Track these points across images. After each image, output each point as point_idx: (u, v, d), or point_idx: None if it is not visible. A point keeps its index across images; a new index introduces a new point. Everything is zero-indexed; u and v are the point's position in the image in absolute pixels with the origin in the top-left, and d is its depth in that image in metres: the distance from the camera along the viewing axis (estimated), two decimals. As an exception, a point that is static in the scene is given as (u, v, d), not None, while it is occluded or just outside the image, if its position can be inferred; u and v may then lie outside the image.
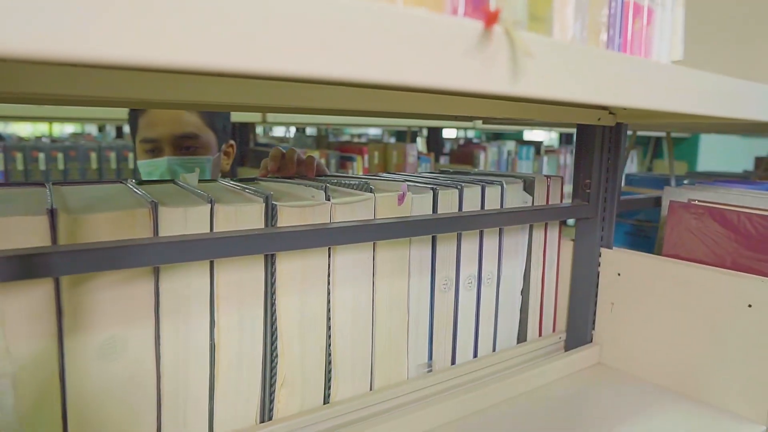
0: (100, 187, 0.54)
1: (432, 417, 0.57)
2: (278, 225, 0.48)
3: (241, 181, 0.61)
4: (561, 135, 3.62)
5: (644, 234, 1.11)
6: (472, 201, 0.63)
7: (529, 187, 0.70)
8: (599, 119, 0.69)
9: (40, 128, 3.66)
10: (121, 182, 0.57)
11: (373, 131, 4.21)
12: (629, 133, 1.72)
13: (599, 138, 0.71)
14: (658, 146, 3.13)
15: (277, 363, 0.51)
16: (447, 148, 2.95)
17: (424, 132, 2.97)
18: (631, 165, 3.03)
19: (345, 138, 3.33)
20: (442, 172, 0.79)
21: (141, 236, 0.42)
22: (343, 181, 0.60)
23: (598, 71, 0.32)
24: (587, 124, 0.70)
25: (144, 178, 0.98)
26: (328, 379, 0.55)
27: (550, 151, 2.89)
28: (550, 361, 0.70)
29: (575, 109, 0.65)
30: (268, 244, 0.46)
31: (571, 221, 0.78)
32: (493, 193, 0.65)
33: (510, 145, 2.70)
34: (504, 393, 0.64)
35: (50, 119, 2.19)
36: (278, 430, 0.51)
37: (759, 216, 0.68)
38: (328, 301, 0.54)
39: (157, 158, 0.98)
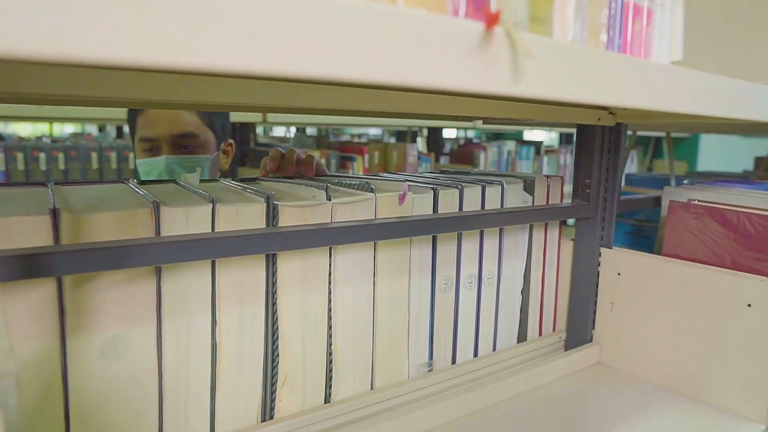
0: (101, 187, 0.54)
1: (432, 416, 0.57)
2: (279, 225, 0.49)
3: (242, 181, 0.61)
4: (561, 135, 3.62)
5: (644, 234, 1.11)
6: (472, 201, 0.63)
7: (529, 187, 0.70)
8: (599, 119, 0.69)
9: (41, 128, 3.66)
10: (122, 182, 0.57)
11: (373, 131, 4.21)
12: (629, 133, 1.72)
13: (599, 138, 0.72)
14: (658, 146, 3.13)
15: (278, 362, 0.51)
16: (447, 148, 2.95)
17: (425, 132, 2.97)
18: (631, 165, 3.03)
19: (345, 138, 3.33)
20: (442, 172, 0.79)
21: (143, 236, 0.42)
22: (343, 181, 0.60)
23: (598, 72, 0.32)
24: (587, 124, 0.70)
25: (142, 177, 0.98)
26: (329, 379, 0.55)
27: (550, 151, 2.90)
28: (550, 361, 0.70)
29: (575, 110, 0.65)
30: (270, 244, 0.47)
31: (571, 221, 0.78)
32: (493, 193, 0.65)
33: (510, 145, 2.70)
34: (504, 392, 0.64)
35: (50, 119, 2.19)
36: (279, 429, 0.51)
37: (759, 216, 0.68)
38: (329, 301, 0.54)
39: (155, 157, 0.98)
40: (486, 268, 0.67)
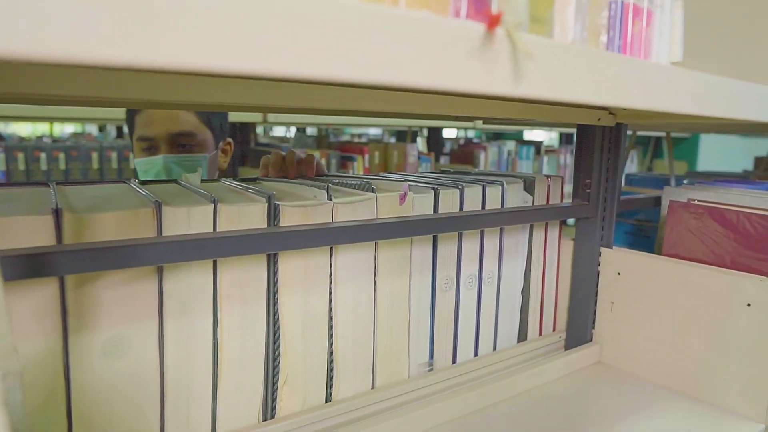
0: (103, 187, 0.54)
1: (433, 415, 0.58)
2: (281, 225, 0.49)
3: (243, 180, 0.62)
4: (561, 135, 3.62)
5: (644, 234, 1.11)
6: (472, 201, 0.63)
7: (529, 187, 0.70)
8: (599, 119, 0.69)
9: (41, 128, 3.66)
10: (124, 182, 0.57)
11: (374, 131, 4.21)
12: (629, 133, 1.72)
13: (599, 138, 0.72)
14: (658, 146, 3.13)
15: (279, 362, 0.52)
16: (447, 147, 2.95)
17: (425, 132, 2.97)
18: (631, 165, 3.03)
19: (345, 138, 3.33)
20: (442, 172, 0.79)
21: (145, 236, 0.43)
22: (344, 181, 0.60)
23: (598, 72, 0.32)
24: (587, 124, 0.70)
25: (141, 177, 0.98)
26: (329, 378, 0.55)
27: (550, 150, 2.90)
28: (551, 360, 0.70)
29: (575, 110, 0.65)
30: (271, 244, 0.47)
31: (571, 221, 0.78)
32: (493, 193, 0.65)
33: (510, 144, 2.70)
34: (504, 392, 0.64)
35: (51, 119, 2.19)
36: (280, 428, 0.51)
37: (758, 216, 0.68)
38: (330, 300, 0.54)
39: (153, 156, 0.98)
40: (486, 267, 0.67)
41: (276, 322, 0.51)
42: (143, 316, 0.44)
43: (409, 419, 0.56)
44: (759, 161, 1.77)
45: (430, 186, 0.61)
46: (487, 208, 0.64)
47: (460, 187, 0.62)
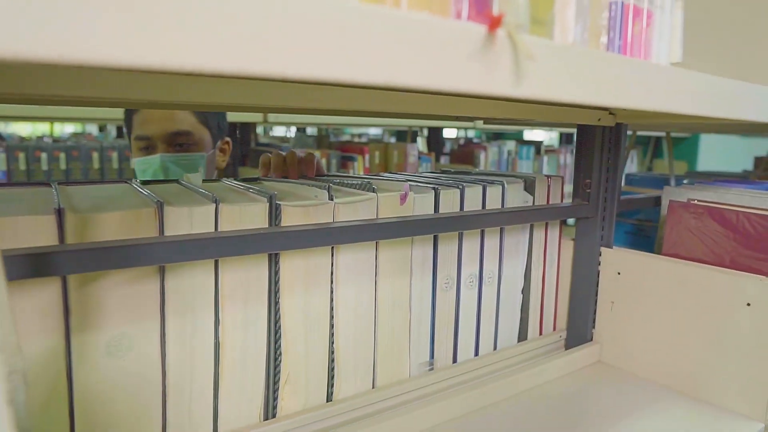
0: (104, 187, 0.55)
1: (433, 415, 0.58)
2: (282, 224, 0.49)
3: (244, 180, 0.62)
4: (561, 135, 3.62)
5: (644, 233, 1.12)
6: (473, 201, 0.63)
7: (529, 186, 0.70)
8: (599, 120, 0.69)
9: (40, 128, 3.66)
10: (125, 182, 0.57)
11: (374, 131, 4.21)
12: (629, 133, 1.72)
13: (599, 138, 0.72)
14: (658, 146, 3.13)
15: (280, 361, 0.52)
16: (447, 147, 2.95)
17: (425, 132, 2.97)
18: (631, 165, 3.04)
19: (345, 138, 3.33)
20: (443, 171, 0.79)
21: (147, 236, 0.43)
22: (345, 181, 0.60)
23: (598, 73, 0.33)
24: (587, 124, 0.71)
25: (138, 176, 0.98)
26: (331, 377, 0.55)
27: (550, 150, 2.90)
28: (551, 360, 0.70)
29: (576, 110, 0.66)
30: (272, 244, 0.47)
31: (571, 221, 0.79)
32: (494, 193, 0.65)
33: (510, 144, 2.70)
34: (505, 391, 0.64)
35: (51, 119, 2.19)
36: (282, 427, 0.51)
37: (758, 215, 0.69)
38: (331, 300, 0.54)
39: (150, 156, 0.98)
40: (487, 267, 0.68)
41: (277, 321, 0.51)
42: (145, 315, 0.44)
43: (410, 418, 0.56)
44: (759, 161, 1.77)
45: (431, 186, 0.61)
46: (487, 208, 0.65)
47: (460, 187, 0.62)
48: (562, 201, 0.74)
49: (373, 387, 0.59)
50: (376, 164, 2.14)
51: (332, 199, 0.52)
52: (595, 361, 0.76)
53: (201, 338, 0.47)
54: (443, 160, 2.67)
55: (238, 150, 1.89)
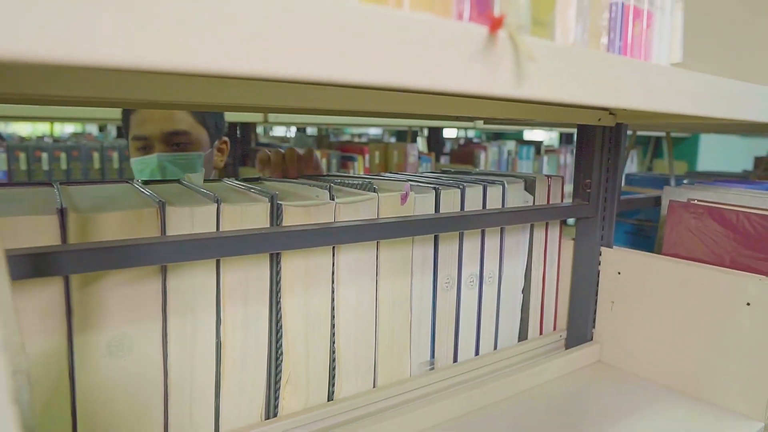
0: (106, 187, 0.55)
1: (434, 414, 0.58)
2: (283, 224, 0.49)
3: (245, 180, 0.62)
4: (561, 135, 3.63)
5: (644, 233, 1.12)
6: (473, 200, 0.63)
7: (530, 186, 0.70)
8: (599, 120, 0.69)
9: (40, 128, 3.66)
10: (127, 182, 0.58)
11: (373, 131, 4.21)
12: (629, 133, 1.72)
13: (599, 138, 0.72)
14: (658, 146, 3.14)
15: (282, 360, 0.52)
16: (447, 147, 2.95)
17: (425, 132, 2.97)
18: (631, 165, 3.04)
19: (345, 138, 3.33)
20: (443, 171, 0.80)
21: (148, 236, 0.43)
22: (346, 181, 0.60)
23: (599, 74, 0.33)
24: (588, 124, 0.71)
25: (136, 176, 0.98)
26: (332, 377, 0.56)
27: (550, 150, 2.90)
28: (551, 359, 0.70)
29: (576, 110, 0.66)
30: (274, 244, 0.47)
31: (571, 220, 0.79)
32: (494, 193, 0.65)
33: (510, 144, 2.71)
34: (505, 391, 0.65)
35: (51, 119, 2.19)
36: (283, 426, 0.52)
37: (758, 215, 0.69)
38: (332, 300, 0.54)
39: (147, 155, 0.98)
40: (487, 267, 0.68)
41: (278, 321, 0.51)
42: (146, 315, 0.44)
43: (411, 418, 0.56)
44: (758, 161, 1.77)
45: (432, 186, 0.61)
46: (488, 208, 0.65)
47: (461, 187, 0.62)
48: (562, 201, 0.74)
49: (374, 386, 0.59)
50: (376, 164, 2.15)
51: (333, 199, 0.52)
52: (595, 361, 0.76)
53: (202, 338, 0.47)
54: (443, 160, 2.67)
55: (238, 150, 1.89)
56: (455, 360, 0.66)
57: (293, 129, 3.41)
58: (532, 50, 0.26)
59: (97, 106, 0.61)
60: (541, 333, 0.77)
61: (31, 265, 0.37)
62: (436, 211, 0.60)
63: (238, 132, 1.91)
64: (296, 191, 0.57)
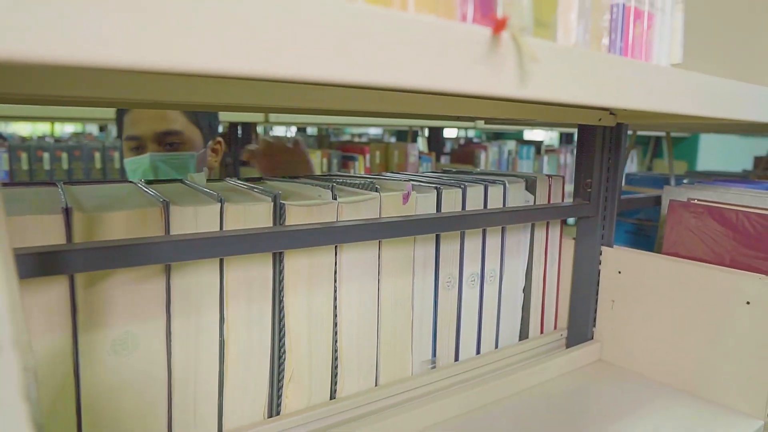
0: (110, 187, 0.55)
1: (436, 412, 0.58)
2: (286, 224, 0.49)
3: (248, 180, 0.62)
4: (561, 134, 3.63)
5: (644, 233, 1.12)
6: (475, 200, 0.64)
7: (531, 186, 0.71)
8: (600, 120, 0.70)
9: (40, 128, 3.66)
10: (130, 182, 0.58)
11: (374, 131, 4.21)
12: (629, 132, 1.73)
13: (600, 138, 0.72)
14: (658, 146, 3.14)
15: (284, 359, 0.52)
16: (447, 147, 2.95)
17: (425, 132, 2.98)
18: (631, 164, 3.04)
19: (345, 138, 3.34)
20: (444, 171, 0.80)
21: (153, 235, 0.43)
22: (348, 181, 0.61)
23: (600, 74, 0.33)
24: (588, 124, 0.71)
25: (129, 177, 0.98)
26: (334, 375, 0.56)
27: (550, 150, 2.90)
28: (552, 358, 0.71)
29: (577, 110, 0.66)
30: (277, 243, 0.47)
31: (572, 220, 0.79)
32: (495, 193, 0.66)
33: (510, 144, 2.71)
34: (506, 389, 0.65)
35: (51, 119, 2.19)
36: (286, 424, 0.52)
37: (757, 215, 0.69)
38: (335, 299, 0.55)
39: (140, 155, 0.98)
40: (488, 266, 0.68)
41: (281, 319, 0.52)
42: (151, 314, 0.45)
43: (412, 416, 0.56)
44: (758, 161, 1.77)
45: (433, 185, 0.62)
46: (489, 207, 0.65)
47: (462, 186, 0.62)
48: (563, 200, 0.75)
49: (376, 385, 0.59)
50: (377, 164, 2.15)
51: (336, 199, 0.52)
52: (595, 360, 0.76)
53: (206, 336, 0.48)
54: (443, 159, 2.68)
55: (239, 150, 1.89)
56: (456, 359, 0.67)
57: (293, 129, 3.41)
58: (534, 51, 0.26)
59: (97, 106, 0.61)
60: (541, 332, 0.77)
61: (37, 265, 0.37)
62: (437, 211, 0.60)
63: (239, 132, 1.91)
64: (299, 191, 0.57)
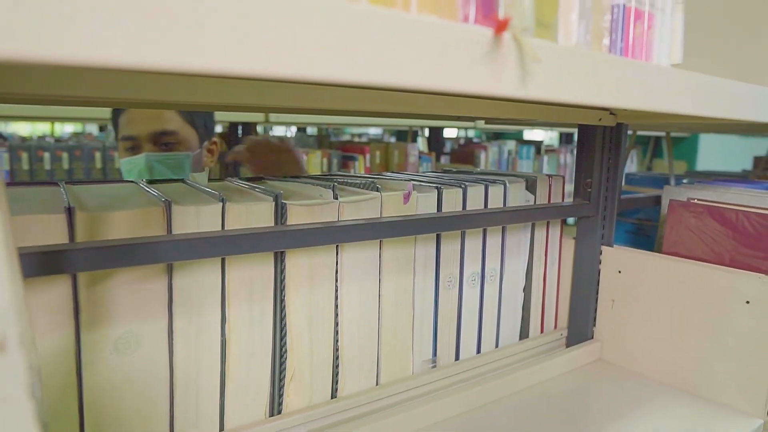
0: (112, 186, 0.55)
1: (436, 412, 0.58)
2: (287, 223, 0.50)
3: (249, 180, 0.62)
4: (561, 134, 3.63)
5: (644, 232, 1.12)
6: (475, 200, 0.64)
7: (531, 186, 0.71)
8: (600, 120, 0.70)
9: (40, 127, 3.66)
10: (132, 181, 0.58)
11: (374, 131, 4.21)
12: (629, 132, 1.73)
13: (600, 138, 0.73)
14: (658, 146, 3.14)
15: (286, 358, 0.52)
16: (447, 147, 2.95)
17: (425, 131, 2.98)
18: (631, 164, 3.04)
19: (345, 137, 3.34)
20: (445, 171, 0.80)
21: (155, 234, 0.43)
22: (349, 181, 0.61)
23: (601, 74, 0.33)
24: (589, 124, 0.71)
25: (125, 177, 0.99)
26: (335, 374, 0.56)
27: (550, 150, 2.91)
28: (552, 358, 0.71)
29: (577, 110, 0.66)
30: (278, 242, 0.48)
31: (572, 220, 0.79)
32: (496, 192, 0.66)
33: (510, 144, 2.71)
34: (506, 388, 0.65)
35: (51, 119, 2.19)
36: (287, 423, 0.52)
37: (757, 214, 0.69)
38: (336, 298, 0.55)
39: (136, 155, 0.98)
40: (489, 265, 0.68)
41: (283, 319, 0.52)
42: (153, 313, 0.45)
43: (413, 415, 0.56)
44: (758, 161, 1.78)
45: (434, 185, 0.62)
46: (489, 207, 0.65)
47: (463, 186, 0.63)
48: (563, 200, 0.75)
49: (376, 384, 0.59)
50: (377, 164, 2.15)
51: (337, 199, 0.52)
52: (595, 359, 0.76)
53: (207, 336, 0.48)
54: (443, 159, 2.68)
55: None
56: (457, 358, 0.67)
57: (293, 129, 3.41)
58: (536, 52, 0.27)
59: (97, 106, 0.61)
60: (542, 331, 0.77)
61: (40, 264, 0.37)
62: (438, 211, 0.60)
63: (239, 132, 1.91)
64: (300, 190, 0.57)
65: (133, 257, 0.41)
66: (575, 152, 0.77)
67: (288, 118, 2.02)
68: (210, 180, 0.62)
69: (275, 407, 0.53)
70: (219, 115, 1.54)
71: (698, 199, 0.77)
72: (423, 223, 0.56)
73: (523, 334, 0.75)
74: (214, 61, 0.20)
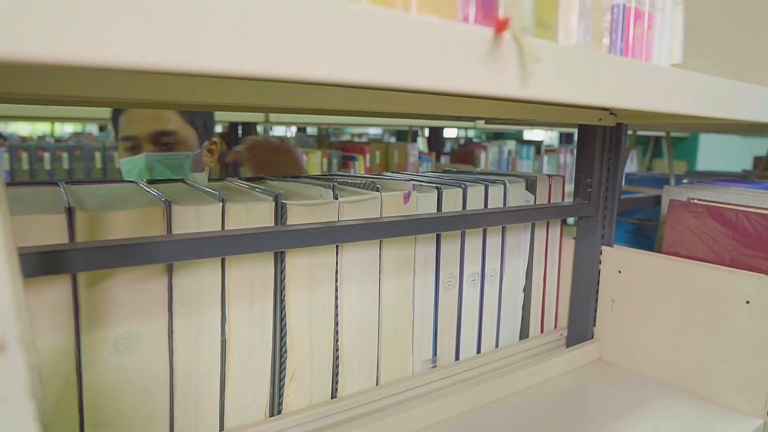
0: (112, 187, 0.55)
1: (436, 412, 0.58)
2: (287, 223, 0.50)
3: (250, 180, 0.62)
4: (561, 134, 3.63)
5: (644, 232, 1.12)
6: (475, 200, 0.64)
7: (531, 186, 0.71)
8: (600, 120, 0.70)
9: (40, 127, 3.66)
10: (132, 181, 0.58)
11: (374, 131, 4.21)
12: (629, 132, 1.73)
13: (600, 138, 0.73)
14: (658, 146, 3.14)
15: (286, 358, 0.52)
16: (447, 147, 2.95)
17: (425, 131, 2.98)
18: (631, 164, 3.04)
19: (345, 137, 3.34)
20: (445, 171, 0.80)
21: (155, 234, 0.43)
22: (349, 181, 0.61)
23: (600, 74, 0.33)
24: (589, 124, 0.71)
25: (125, 177, 0.99)
26: (335, 374, 0.56)
27: (550, 150, 2.91)
28: (552, 357, 0.71)
29: (577, 110, 0.66)
30: (278, 242, 0.48)
31: (572, 220, 0.79)
32: (496, 192, 0.66)
33: (510, 144, 2.71)
34: (506, 388, 0.65)
35: (51, 119, 2.19)
36: (287, 423, 0.52)
37: (757, 214, 0.69)
38: (336, 298, 0.55)
39: (135, 155, 0.98)
40: (489, 266, 0.68)
41: (283, 319, 0.52)
42: (153, 313, 0.45)
43: (413, 415, 0.56)
44: (758, 161, 1.78)
45: (434, 185, 0.62)
46: (489, 207, 0.65)
47: (463, 186, 0.63)
48: (563, 200, 0.75)
49: (376, 384, 0.59)
50: (377, 164, 2.15)
51: (337, 198, 0.52)
52: (595, 359, 0.76)
53: (207, 335, 0.48)
54: (443, 159, 2.68)
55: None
56: (457, 358, 0.67)
57: (293, 129, 3.41)
58: (536, 52, 0.27)
59: (97, 106, 0.61)
60: (542, 331, 0.77)
61: (40, 264, 0.37)
62: (438, 211, 0.60)
63: (239, 132, 1.91)
64: (300, 190, 0.57)
65: (133, 257, 0.41)
66: (575, 152, 0.77)
67: (288, 118, 2.02)
68: (210, 180, 0.62)
69: (275, 407, 0.53)
70: (219, 115, 1.54)
71: (698, 199, 0.77)
72: (423, 223, 0.56)
73: (523, 334, 0.75)
74: (214, 61, 0.20)
